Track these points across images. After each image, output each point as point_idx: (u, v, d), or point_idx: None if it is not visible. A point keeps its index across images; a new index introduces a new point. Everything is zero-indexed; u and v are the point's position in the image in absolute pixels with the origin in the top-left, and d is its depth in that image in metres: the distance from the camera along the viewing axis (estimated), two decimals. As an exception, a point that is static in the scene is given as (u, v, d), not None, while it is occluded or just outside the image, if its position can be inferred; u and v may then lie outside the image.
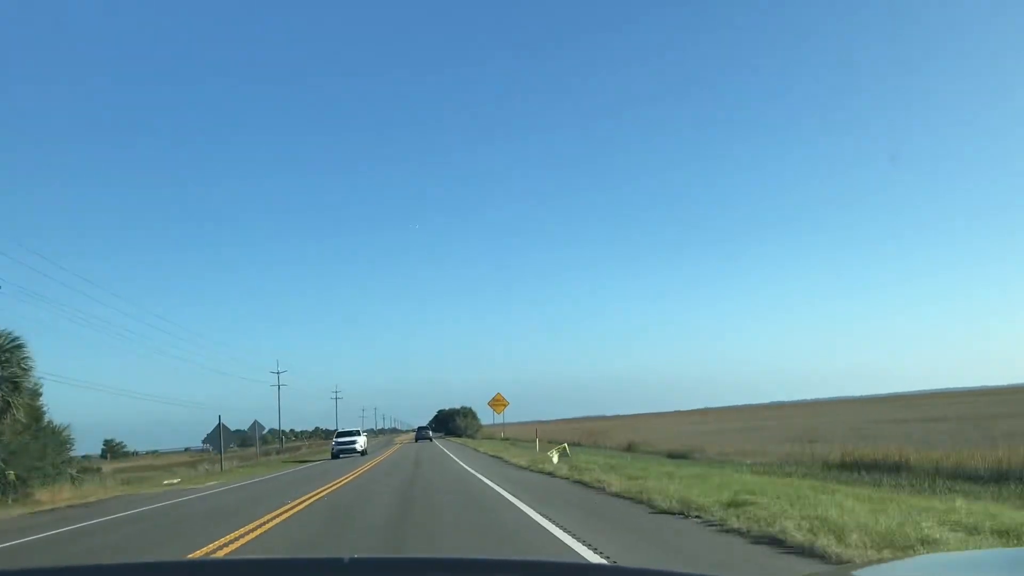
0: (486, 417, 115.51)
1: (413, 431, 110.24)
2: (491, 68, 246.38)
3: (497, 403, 46.50)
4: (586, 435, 53.88)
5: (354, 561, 1.78)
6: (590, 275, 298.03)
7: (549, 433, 67.87)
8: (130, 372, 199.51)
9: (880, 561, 4.18)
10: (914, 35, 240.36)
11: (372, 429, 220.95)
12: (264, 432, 47.95)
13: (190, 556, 8.60)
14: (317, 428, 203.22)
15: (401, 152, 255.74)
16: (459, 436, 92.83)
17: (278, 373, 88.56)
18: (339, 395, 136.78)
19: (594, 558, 6.99)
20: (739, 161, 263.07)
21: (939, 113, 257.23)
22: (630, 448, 32.96)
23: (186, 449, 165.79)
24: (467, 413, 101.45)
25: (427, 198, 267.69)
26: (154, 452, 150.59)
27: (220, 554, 8.78)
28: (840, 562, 5.93)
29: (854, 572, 2.12)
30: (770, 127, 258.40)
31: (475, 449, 42.25)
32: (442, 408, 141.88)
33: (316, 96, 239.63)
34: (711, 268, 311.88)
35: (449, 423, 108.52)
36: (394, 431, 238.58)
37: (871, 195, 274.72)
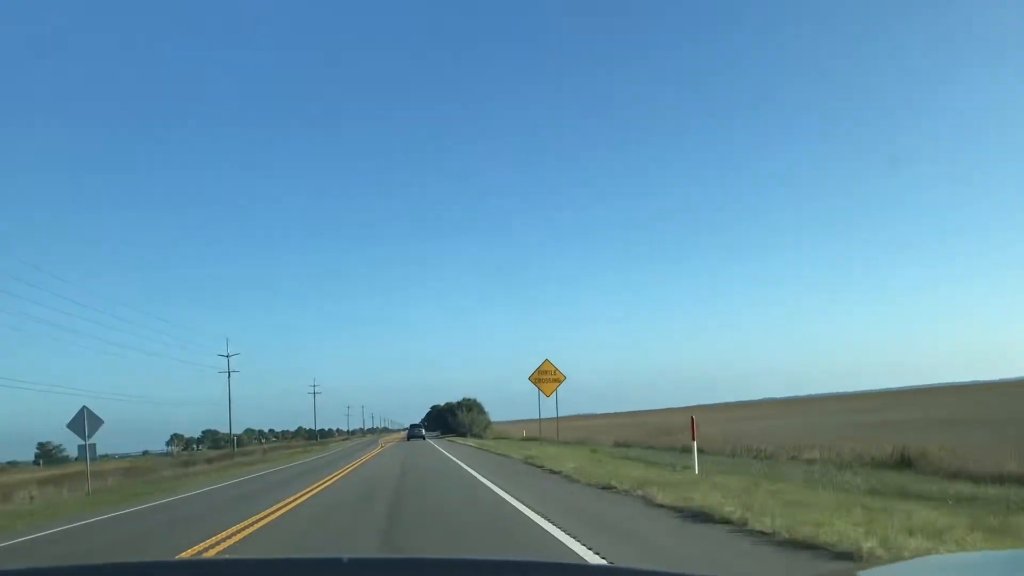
0: (496, 413, 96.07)
1: (404, 430, 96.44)
2: (491, 69, 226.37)
3: (545, 378, 27.10)
4: (645, 435, 35.08)
5: (353, 561, 1.79)
6: (587, 274, 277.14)
7: (567, 432, 49.51)
8: (104, 374, 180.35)
9: (883, 562, 4.38)
10: (916, 35, 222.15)
11: (361, 428, 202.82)
12: (102, 425, 25.29)
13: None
14: (300, 428, 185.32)
15: (396, 148, 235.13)
16: (462, 435, 72.21)
17: (228, 356, 68.63)
18: (318, 390, 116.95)
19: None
20: (742, 161, 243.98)
21: (941, 114, 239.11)
22: (908, 463, 13.69)
23: (144, 452, 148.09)
24: (471, 406, 79.80)
25: (427, 195, 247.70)
26: (104, 457, 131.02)
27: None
28: None
29: (858, 573, 2.13)
30: (769, 127, 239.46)
31: (540, 467, 19.01)
32: (436, 404, 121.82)
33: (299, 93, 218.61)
34: (712, 268, 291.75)
35: (448, 419, 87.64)
36: (385, 431, 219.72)
37: (872, 195, 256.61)
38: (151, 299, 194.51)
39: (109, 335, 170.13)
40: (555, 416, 28.45)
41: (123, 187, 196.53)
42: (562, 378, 26.80)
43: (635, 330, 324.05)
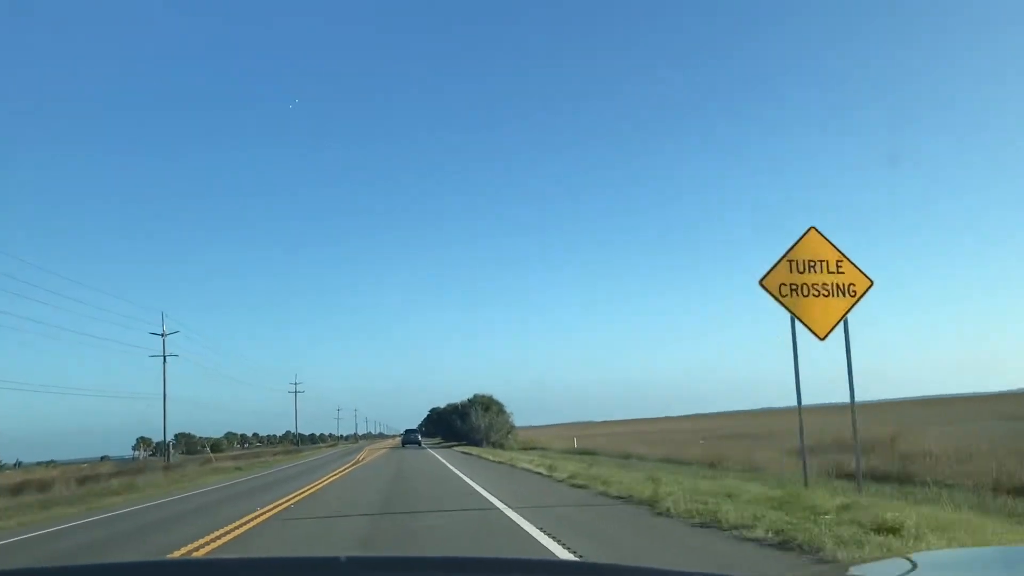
0: (522, 417, 79.15)
1: (399, 436, 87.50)
2: (493, 73, 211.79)
3: (811, 282, 9.92)
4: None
5: (351, 560, 1.76)
6: (587, 275, 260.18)
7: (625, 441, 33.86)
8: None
9: (877, 559, 4.27)
10: (917, 36, 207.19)
11: (354, 433, 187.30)
12: None
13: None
14: (288, 432, 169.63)
15: (388, 135, 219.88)
16: (476, 444, 54.37)
17: (163, 335, 51.09)
18: (300, 388, 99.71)
19: None
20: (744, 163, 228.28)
21: (941, 115, 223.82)
22: None
23: (103, 458, 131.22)
24: (488, 405, 60.53)
25: (429, 195, 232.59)
26: (49, 463, 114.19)
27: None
28: None
29: (851, 569, 2.09)
30: (768, 129, 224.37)
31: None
32: (436, 406, 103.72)
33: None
34: (705, 274, 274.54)
35: (454, 423, 69.17)
36: (380, 436, 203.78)
37: (871, 197, 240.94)
38: (123, 289, 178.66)
39: (68, 321, 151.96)
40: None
41: (106, 172, 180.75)
42: (864, 284, 9.75)
43: (630, 337, 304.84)
